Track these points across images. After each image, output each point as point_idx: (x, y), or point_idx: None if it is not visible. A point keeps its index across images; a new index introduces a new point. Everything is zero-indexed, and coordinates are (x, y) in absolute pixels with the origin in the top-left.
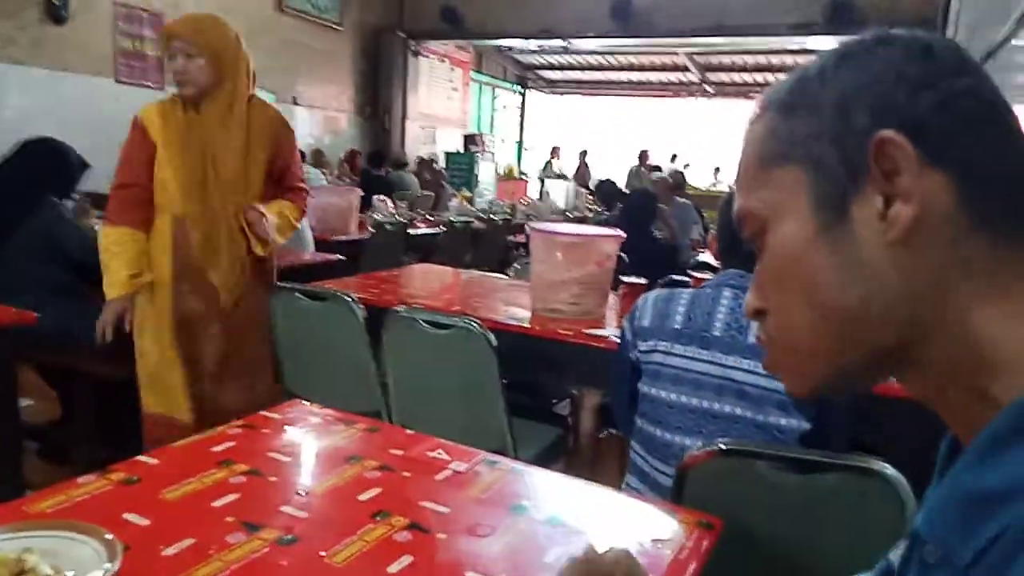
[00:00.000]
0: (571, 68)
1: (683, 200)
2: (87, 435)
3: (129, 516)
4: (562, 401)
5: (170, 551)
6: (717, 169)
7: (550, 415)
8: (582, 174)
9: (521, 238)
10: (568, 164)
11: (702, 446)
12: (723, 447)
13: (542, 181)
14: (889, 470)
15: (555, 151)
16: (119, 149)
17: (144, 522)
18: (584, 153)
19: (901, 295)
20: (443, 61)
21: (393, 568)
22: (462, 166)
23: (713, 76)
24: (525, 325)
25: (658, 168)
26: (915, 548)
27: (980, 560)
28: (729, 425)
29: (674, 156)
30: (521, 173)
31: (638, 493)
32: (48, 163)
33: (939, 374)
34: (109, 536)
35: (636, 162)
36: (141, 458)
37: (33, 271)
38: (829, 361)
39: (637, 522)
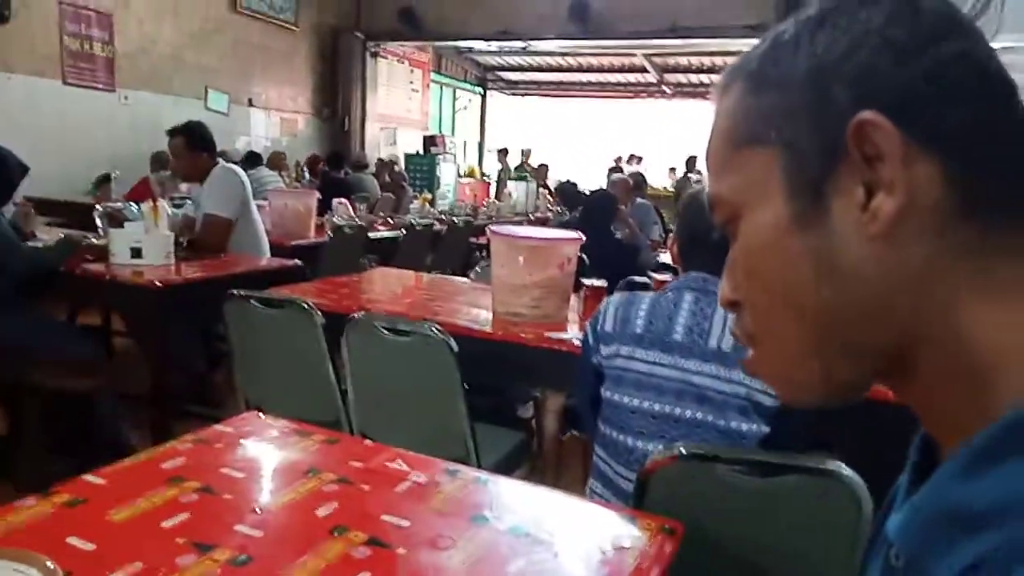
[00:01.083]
0: (531, 69)
1: (642, 200)
2: (36, 451)
3: (72, 540)
4: (525, 404)
5: None
6: (672, 169)
7: (513, 419)
8: (543, 173)
9: (483, 240)
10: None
11: (663, 451)
12: (683, 451)
13: (500, 182)
14: (845, 471)
15: (502, 152)
16: (65, 151)
17: (89, 547)
18: (527, 152)
19: (884, 293)
20: (402, 62)
21: None
22: (423, 167)
23: (671, 77)
24: (487, 330)
25: (619, 169)
26: (880, 547)
27: None
28: (691, 430)
29: (639, 159)
30: (483, 174)
31: (602, 498)
32: None
33: (930, 379)
34: (50, 564)
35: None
36: (87, 477)
37: None
38: (809, 365)
39: (599, 529)
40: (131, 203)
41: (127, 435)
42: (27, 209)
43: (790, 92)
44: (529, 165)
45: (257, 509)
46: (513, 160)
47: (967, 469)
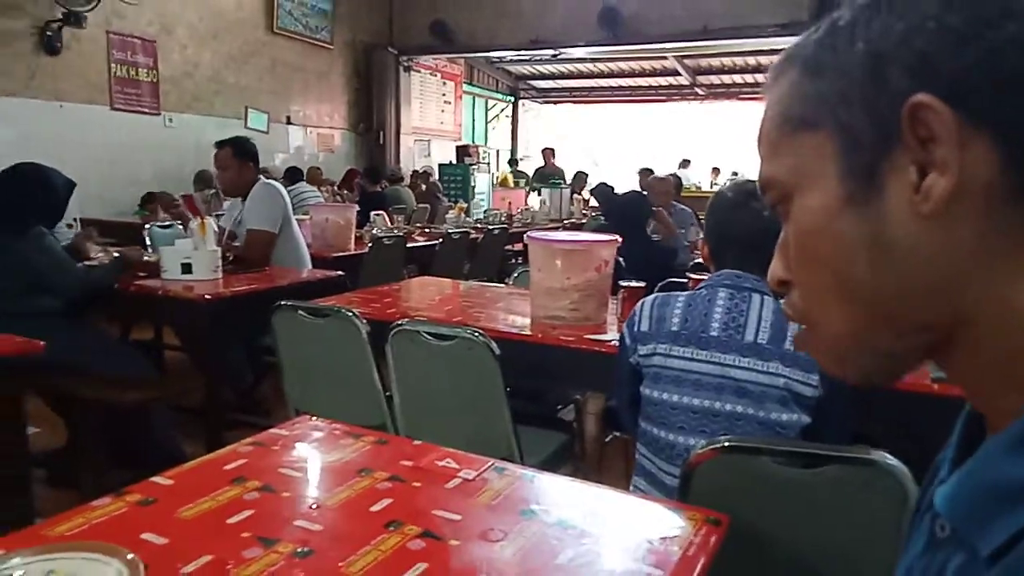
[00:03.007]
0: (562, 76)
1: (680, 206)
2: (94, 461)
3: (146, 536)
4: (566, 407)
5: (189, 568)
6: (716, 170)
7: (555, 421)
8: (580, 181)
9: (519, 247)
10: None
11: (705, 445)
12: (726, 444)
13: (536, 190)
14: (890, 459)
15: (548, 153)
16: (113, 174)
17: (162, 541)
18: (550, 151)
19: (937, 273)
20: (435, 75)
21: (408, 575)
22: (457, 178)
23: (703, 79)
24: (526, 333)
25: (649, 172)
26: (926, 517)
27: (1006, 554)
28: (731, 423)
29: (688, 162)
30: (516, 182)
31: (645, 494)
32: (30, 186)
33: (981, 358)
34: (130, 555)
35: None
36: (155, 479)
37: (27, 300)
38: (862, 342)
39: (645, 521)
40: (177, 221)
41: (180, 446)
42: (89, 232)
43: (846, 76)
44: (553, 164)
45: (315, 505)
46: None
47: (1017, 443)
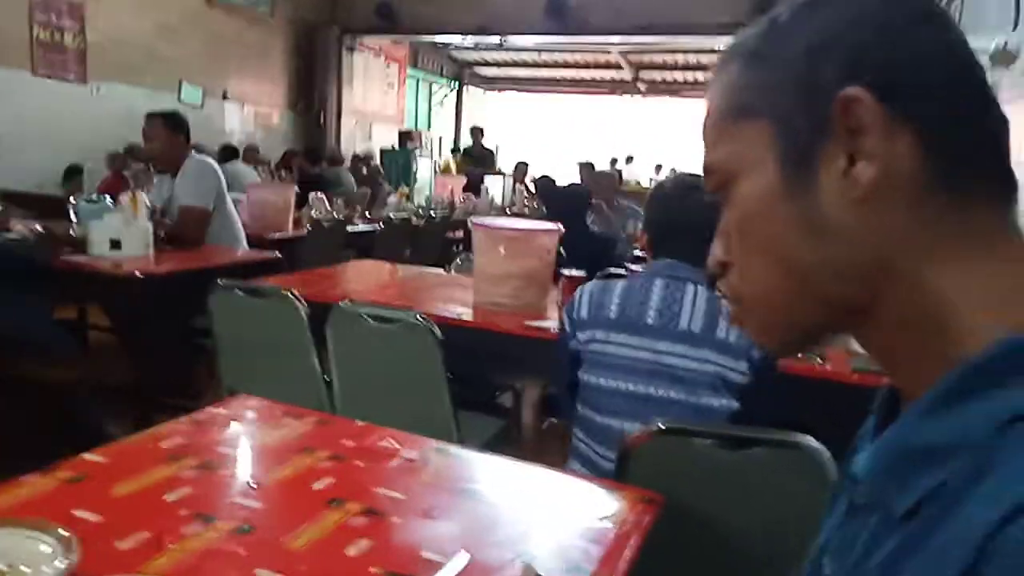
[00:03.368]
0: (507, 65)
1: (622, 200)
2: (14, 442)
3: (79, 512)
4: (504, 393)
5: (125, 544)
6: (659, 167)
7: (493, 406)
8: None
9: (460, 234)
10: (508, 163)
11: (638, 430)
12: (662, 427)
13: (466, 173)
14: (812, 442)
15: (477, 132)
16: (34, 143)
17: (95, 518)
18: (479, 131)
19: (862, 252)
20: (378, 56)
21: (351, 551)
22: (399, 162)
23: (645, 74)
24: (467, 318)
25: (589, 165)
26: (847, 488)
27: (916, 512)
28: (664, 408)
29: (631, 158)
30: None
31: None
32: None
33: (896, 331)
34: (64, 531)
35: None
36: (86, 456)
37: None
38: (792, 315)
39: (582, 500)
40: (105, 195)
41: (107, 427)
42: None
43: (784, 68)
44: (482, 145)
45: (256, 483)
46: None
47: (930, 410)
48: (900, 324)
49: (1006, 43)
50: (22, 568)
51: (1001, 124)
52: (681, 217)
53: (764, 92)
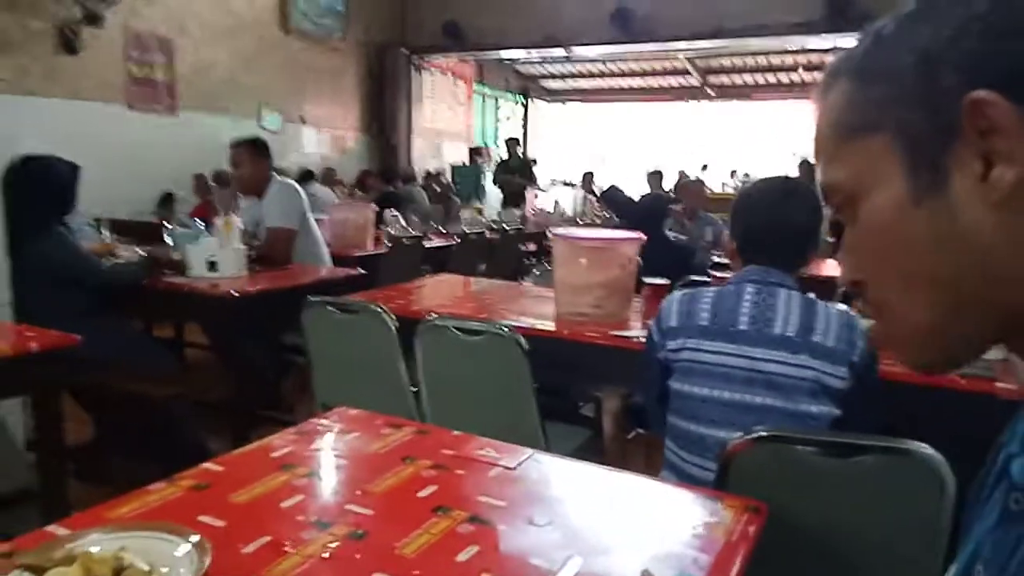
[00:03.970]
0: (572, 76)
1: (703, 212)
2: (124, 455)
3: (204, 518)
4: (587, 404)
5: (249, 548)
6: (733, 172)
7: (578, 417)
8: (588, 181)
9: (532, 247)
10: (577, 174)
11: (738, 437)
12: (764, 434)
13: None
14: (927, 450)
15: (513, 143)
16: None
17: (219, 523)
18: (515, 141)
19: (1008, 258)
20: (446, 74)
21: (461, 557)
22: (469, 178)
23: (714, 79)
24: (551, 329)
25: (658, 174)
26: (996, 493)
27: None
28: (762, 415)
29: (704, 166)
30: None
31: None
32: (34, 174)
33: None
34: (196, 536)
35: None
36: (207, 465)
37: (56, 296)
38: (943, 329)
39: (684, 508)
40: (196, 219)
41: (206, 442)
42: (104, 238)
43: (900, 81)
44: (519, 156)
45: (364, 491)
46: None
47: None
48: None
49: None
50: (162, 570)
51: None
52: (770, 224)
53: (881, 106)
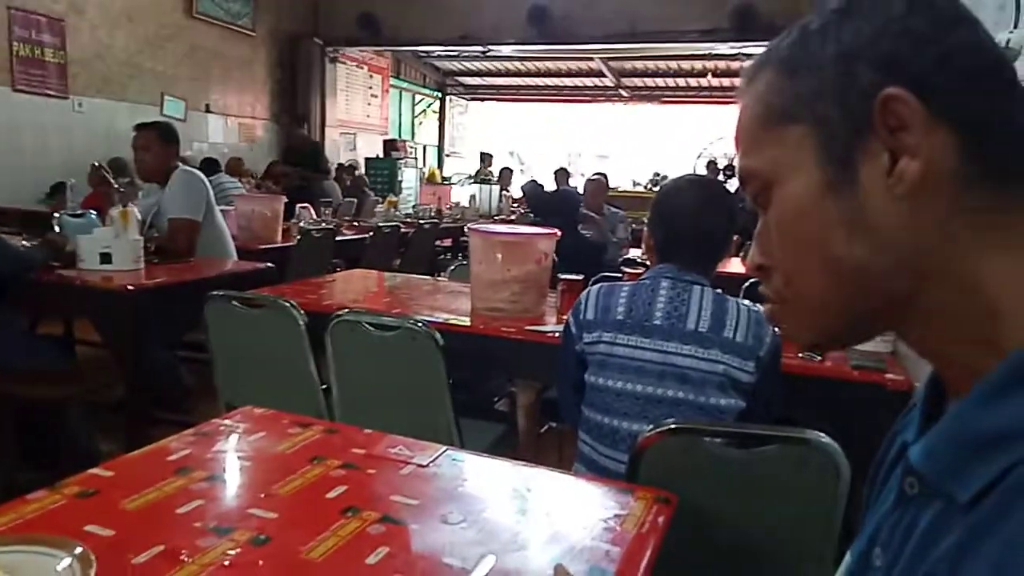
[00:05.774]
0: (489, 74)
1: (611, 207)
2: (4, 461)
3: (90, 528)
4: (501, 399)
5: (141, 559)
6: (656, 174)
7: (492, 412)
8: (506, 178)
9: (448, 242)
10: (496, 170)
11: (650, 430)
12: (673, 427)
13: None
14: (823, 438)
15: (486, 158)
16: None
17: (107, 532)
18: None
19: (908, 248)
20: (361, 68)
21: (371, 560)
22: (384, 172)
23: (627, 81)
24: (467, 324)
25: (564, 171)
26: (892, 478)
27: (982, 499)
28: (672, 408)
29: (604, 156)
30: (444, 178)
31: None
32: None
33: (944, 324)
34: (79, 547)
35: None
36: (94, 471)
37: None
38: (838, 313)
39: (597, 502)
40: (90, 211)
41: (97, 444)
42: None
43: (821, 74)
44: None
45: (268, 494)
46: (472, 166)
47: (987, 399)
48: (948, 317)
49: (1008, 42)
50: None
51: None
52: (691, 232)
53: (801, 97)
